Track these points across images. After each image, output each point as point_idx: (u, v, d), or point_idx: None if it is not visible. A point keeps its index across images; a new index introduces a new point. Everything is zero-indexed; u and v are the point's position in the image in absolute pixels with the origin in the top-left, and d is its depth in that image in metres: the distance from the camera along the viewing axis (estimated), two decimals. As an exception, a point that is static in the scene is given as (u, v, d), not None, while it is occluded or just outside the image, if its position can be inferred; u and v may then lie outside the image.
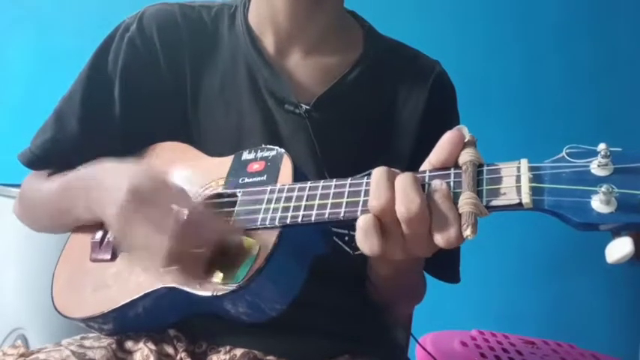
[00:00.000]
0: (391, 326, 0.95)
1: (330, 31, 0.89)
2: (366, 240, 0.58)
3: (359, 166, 0.83)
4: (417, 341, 1.08)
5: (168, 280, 0.68)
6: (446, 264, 0.89)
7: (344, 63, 0.89)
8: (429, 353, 1.11)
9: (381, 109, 0.89)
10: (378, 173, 0.58)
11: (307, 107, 0.85)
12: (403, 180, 0.57)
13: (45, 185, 0.88)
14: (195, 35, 0.88)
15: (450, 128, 0.60)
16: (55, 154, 0.88)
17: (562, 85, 1.99)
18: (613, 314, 1.96)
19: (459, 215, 0.54)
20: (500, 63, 1.99)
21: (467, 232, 0.53)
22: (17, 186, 1.22)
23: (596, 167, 0.50)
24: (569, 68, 1.99)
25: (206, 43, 0.89)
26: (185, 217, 0.64)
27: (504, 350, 1.34)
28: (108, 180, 0.72)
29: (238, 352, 0.76)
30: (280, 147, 0.75)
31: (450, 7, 1.99)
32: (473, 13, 1.99)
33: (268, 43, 0.88)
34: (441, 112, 0.90)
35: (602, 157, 0.50)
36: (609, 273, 1.91)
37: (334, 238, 0.79)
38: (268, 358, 0.76)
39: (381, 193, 0.57)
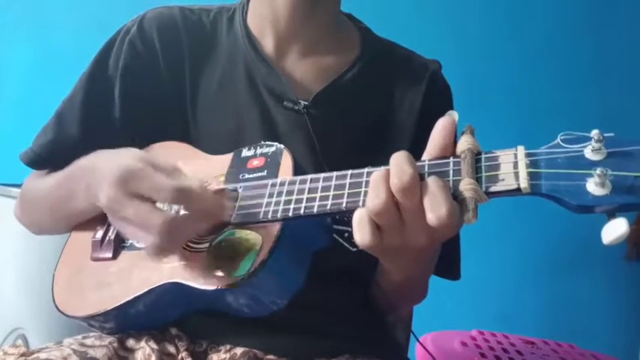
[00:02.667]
0: (391, 326, 0.96)
1: (327, 32, 0.90)
2: (360, 231, 0.58)
3: (357, 163, 0.83)
4: (417, 340, 1.08)
5: (172, 274, 0.68)
6: (446, 260, 0.89)
7: (341, 62, 0.90)
8: (429, 353, 1.11)
9: (379, 107, 0.90)
10: (377, 175, 0.58)
11: (306, 103, 0.85)
12: (397, 155, 0.58)
13: (44, 181, 0.88)
14: (194, 38, 0.90)
15: None
16: (57, 155, 0.88)
17: (562, 83, 1.99)
18: (613, 314, 1.96)
19: (455, 198, 0.55)
20: (499, 61, 1.99)
21: (468, 216, 0.53)
22: (17, 186, 1.22)
23: (590, 152, 0.51)
24: (568, 66, 2.00)
25: (205, 45, 0.90)
26: (178, 194, 0.64)
27: (504, 350, 1.34)
28: (101, 164, 0.72)
29: (239, 350, 0.76)
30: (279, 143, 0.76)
31: (449, 6, 2.00)
32: (471, 11, 2.00)
33: (267, 43, 0.89)
34: (437, 111, 0.89)
35: (595, 142, 0.51)
36: (609, 273, 1.91)
37: (334, 235, 0.80)
38: (268, 357, 0.76)
39: (379, 194, 0.57)
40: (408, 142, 0.88)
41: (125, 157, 0.69)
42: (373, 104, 0.90)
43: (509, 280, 1.96)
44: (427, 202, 0.55)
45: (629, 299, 1.98)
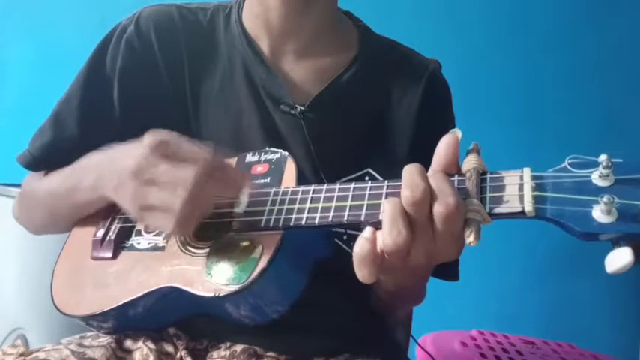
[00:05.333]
0: (391, 326, 0.95)
1: (323, 31, 0.89)
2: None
3: (354, 166, 0.84)
4: (416, 342, 1.08)
5: (171, 278, 0.68)
6: (445, 262, 0.89)
7: (339, 63, 0.89)
8: (428, 354, 1.11)
9: (376, 108, 0.89)
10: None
11: (302, 108, 0.85)
12: (410, 168, 0.57)
13: (46, 180, 0.88)
14: (192, 37, 0.88)
15: (445, 127, 0.60)
16: (55, 157, 0.88)
17: (563, 86, 1.98)
18: (613, 314, 1.97)
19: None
20: (499, 61, 1.98)
21: (470, 238, 0.53)
22: (17, 186, 1.22)
23: (598, 178, 0.51)
24: (569, 66, 1.98)
25: (203, 44, 0.89)
26: (205, 166, 0.64)
27: (504, 350, 1.34)
28: (121, 151, 0.72)
29: (238, 347, 0.76)
30: (278, 147, 0.76)
31: (449, 7, 1.99)
32: (472, 12, 1.99)
33: (263, 43, 0.88)
34: (436, 111, 0.90)
35: (603, 168, 0.50)
36: (609, 273, 1.90)
37: (334, 238, 0.80)
38: (269, 354, 0.76)
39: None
40: (407, 142, 0.87)
41: (148, 137, 0.68)
42: (371, 104, 0.89)
43: (509, 280, 1.95)
44: (435, 193, 0.54)
45: (629, 299, 1.98)
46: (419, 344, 1.11)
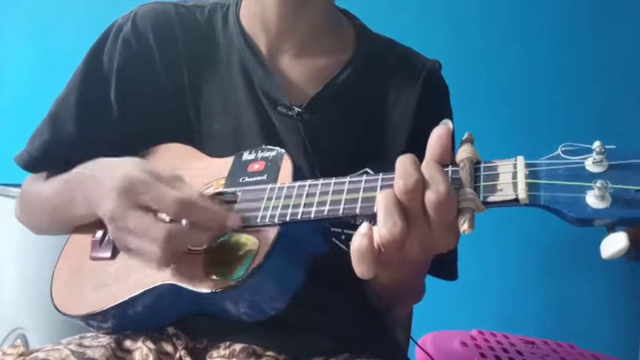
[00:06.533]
0: (391, 326, 0.95)
1: (320, 30, 0.89)
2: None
3: (352, 167, 0.83)
4: (416, 343, 1.08)
5: (169, 276, 0.68)
6: (443, 261, 0.88)
7: (336, 63, 0.89)
8: (428, 355, 1.11)
9: (373, 108, 0.89)
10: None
11: (299, 110, 0.85)
12: (404, 158, 0.57)
13: (44, 186, 0.88)
14: (190, 35, 0.88)
15: None
16: (53, 157, 0.88)
17: (560, 83, 1.99)
18: (613, 314, 1.96)
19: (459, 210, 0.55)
20: (498, 61, 1.98)
21: (464, 227, 0.53)
22: (17, 186, 1.22)
23: (591, 164, 0.51)
24: (567, 67, 1.99)
25: (202, 43, 0.89)
26: (181, 206, 0.64)
27: (504, 350, 1.34)
28: (102, 173, 0.72)
29: (238, 347, 0.76)
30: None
31: (449, 6, 1.99)
32: (471, 11, 1.99)
33: (261, 42, 0.88)
34: (433, 110, 0.89)
35: (596, 154, 0.50)
36: (609, 273, 1.91)
37: (331, 235, 0.80)
38: (268, 353, 0.76)
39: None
40: (404, 142, 0.87)
41: (127, 167, 0.69)
42: (368, 105, 0.89)
43: (509, 280, 1.95)
44: (428, 182, 0.55)
45: (629, 299, 1.98)
46: (418, 345, 1.11)
